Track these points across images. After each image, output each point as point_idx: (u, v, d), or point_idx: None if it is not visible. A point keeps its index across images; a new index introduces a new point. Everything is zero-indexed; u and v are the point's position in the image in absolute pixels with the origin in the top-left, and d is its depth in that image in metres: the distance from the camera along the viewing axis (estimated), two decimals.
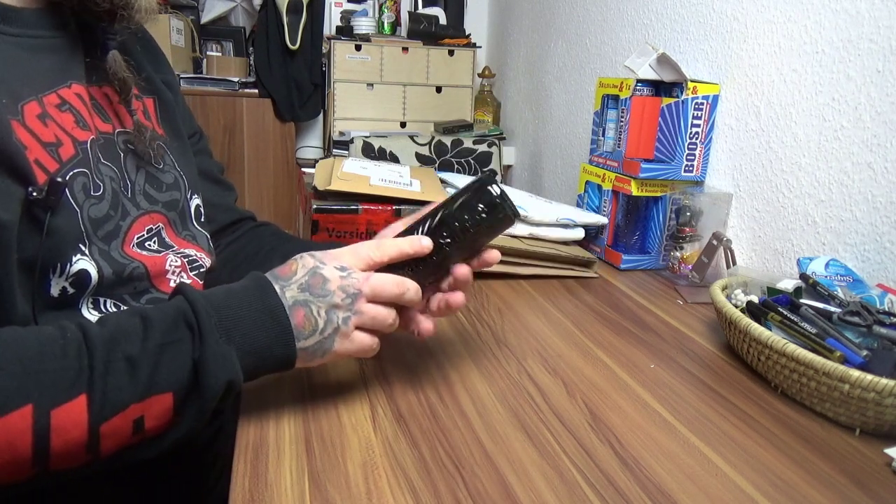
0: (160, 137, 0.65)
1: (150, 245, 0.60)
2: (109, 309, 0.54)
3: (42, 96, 0.52)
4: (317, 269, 0.51)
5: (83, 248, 0.52)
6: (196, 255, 0.65)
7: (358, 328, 0.53)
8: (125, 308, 0.56)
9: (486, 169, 1.76)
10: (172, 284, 0.61)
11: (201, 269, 0.65)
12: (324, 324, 0.51)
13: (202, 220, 0.69)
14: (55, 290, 0.50)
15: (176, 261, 0.62)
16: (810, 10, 0.90)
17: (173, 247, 0.63)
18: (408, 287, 0.54)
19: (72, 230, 0.51)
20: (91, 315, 0.53)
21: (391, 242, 0.55)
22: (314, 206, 0.93)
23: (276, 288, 0.50)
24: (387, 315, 0.54)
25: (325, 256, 0.53)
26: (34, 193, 0.47)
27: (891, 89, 0.78)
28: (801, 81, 0.92)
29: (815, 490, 0.50)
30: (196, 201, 0.69)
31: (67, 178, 0.50)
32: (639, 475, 0.51)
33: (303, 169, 1.94)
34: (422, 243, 0.54)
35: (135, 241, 0.58)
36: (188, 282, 0.62)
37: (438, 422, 0.57)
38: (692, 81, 1.05)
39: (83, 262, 0.51)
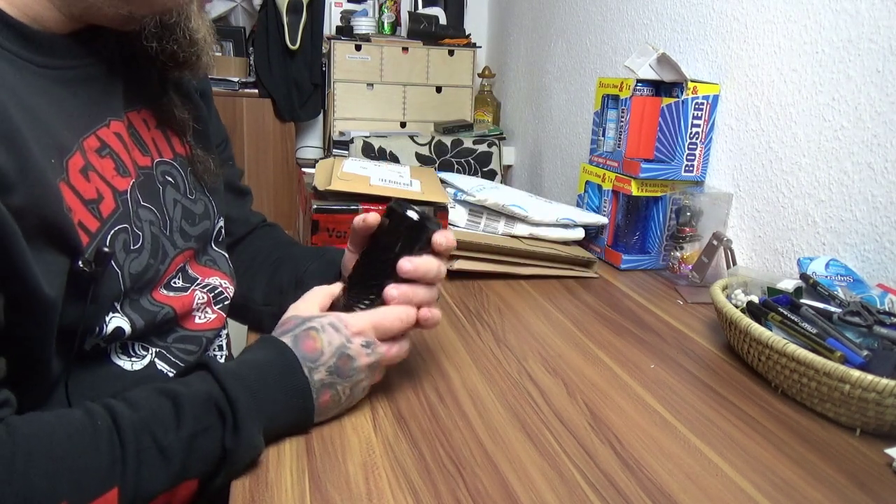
0: (204, 160, 0.64)
1: (175, 283, 0.59)
2: (138, 351, 0.54)
3: (83, 140, 0.49)
4: (344, 351, 0.52)
5: (117, 305, 0.51)
6: (219, 283, 0.65)
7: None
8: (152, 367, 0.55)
9: (485, 168, 1.77)
10: (199, 321, 0.60)
11: (225, 302, 0.65)
12: (346, 399, 0.54)
13: (220, 240, 0.69)
14: (88, 346, 0.50)
15: (202, 297, 0.61)
16: (810, 10, 0.90)
17: (197, 279, 0.62)
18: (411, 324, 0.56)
19: (113, 293, 0.50)
20: (120, 360, 0.53)
21: (413, 313, 0.56)
22: (314, 206, 0.93)
23: (304, 370, 0.51)
24: (397, 354, 0.57)
25: (349, 327, 0.53)
26: (82, 266, 0.46)
27: (891, 89, 0.78)
28: (801, 81, 0.92)
29: (816, 490, 0.50)
30: (220, 223, 0.68)
31: (108, 241, 0.49)
32: (639, 475, 0.51)
33: (303, 169, 1.94)
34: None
35: (165, 282, 0.57)
36: (213, 317, 0.62)
37: (438, 422, 0.57)
38: (692, 81, 1.05)
39: (116, 320, 0.51)
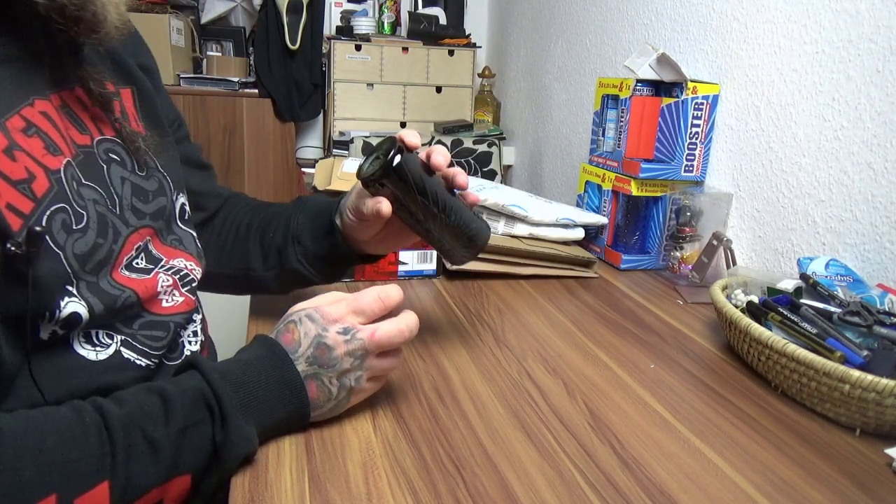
0: (142, 136, 0.61)
1: (137, 264, 0.57)
2: (102, 339, 0.52)
3: (5, 121, 0.47)
4: (320, 340, 0.52)
5: (70, 289, 0.49)
6: (185, 265, 0.63)
7: (369, 379, 0.55)
8: (123, 338, 0.54)
9: (485, 168, 1.76)
10: (165, 305, 0.59)
11: (193, 284, 0.63)
12: (336, 390, 0.53)
13: (186, 218, 0.66)
14: (45, 335, 0.48)
15: (167, 280, 0.59)
16: (810, 10, 0.90)
17: (161, 260, 0.60)
18: (411, 328, 0.55)
19: (57, 275, 0.47)
20: (84, 350, 0.51)
21: (394, 291, 0.56)
22: None
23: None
24: (394, 363, 0.57)
25: (325, 316, 0.54)
26: (12, 248, 0.43)
27: (891, 89, 0.78)
28: (801, 81, 0.92)
29: (816, 490, 0.50)
30: (181, 200, 0.66)
31: (44, 222, 0.46)
32: (639, 475, 0.51)
33: (303, 169, 1.94)
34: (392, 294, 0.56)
35: (124, 262, 0.55)
36: (181, 300, 0.60)
37: (438, 422, 0.57)
38: (692, 81, 1.05)
39: (72, 305, 0.48)
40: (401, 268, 0.95)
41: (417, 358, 0.69)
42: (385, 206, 0.60)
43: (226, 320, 1.11)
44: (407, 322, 0.55)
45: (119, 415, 0.44)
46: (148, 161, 0.61)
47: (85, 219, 0.51)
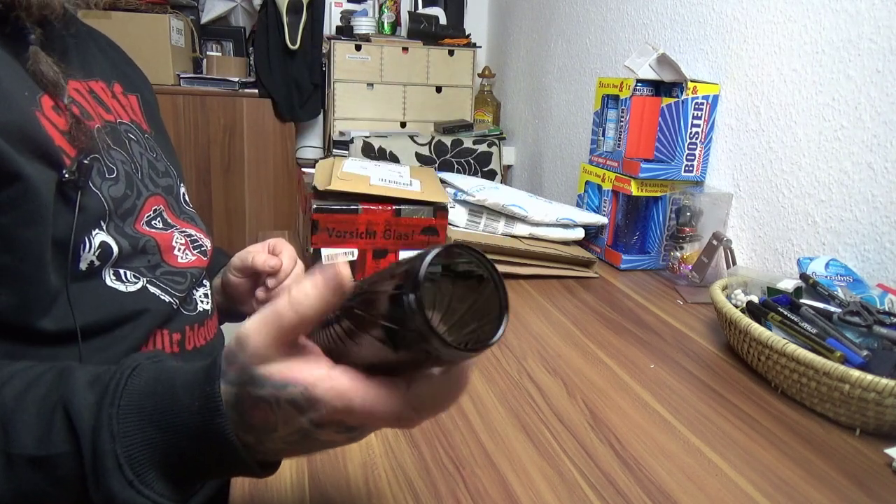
0: (146, 133, 0.68)
1: (155, 224, 0.63)
2: (130, 278, 0.57)
3: (44, 94, 0.54)
4: (307, 435, 0.34)
5: (103, 224, 0.55)
6: (196, 234, 0.68)
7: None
8: (139, 280, 0.58)
9: (485, 168, 1.77)
10: (181, 260, 0.63)
11: (203, 248, 0.68)
12: (288, 432, 0.35)
13: (189, 205, 0.73)
14: (83, 265, 0.52)
15: (181, 238, 0.65)
16: (810, 10, 0.90)
17: (175, 226, 0.65)
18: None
19: (97, 207, 0.54)
20: (115, 284, 0.56)
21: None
22: (314, 206, 0.93)
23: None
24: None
25: (317, 406, 0.32)
26: (66, 175, 0.50)
27: (891, 89, 0.78)
28: (801, 81, 0.92)
29: (815, 490, 0.50)
30: (183, 189, 0.72)
31: (86, 161, 0.53)
32: (639, 475, 0.51)
33: (303, 169, 1.93)
34: None
35: (144, 219, 0.61)
36: (193, 258, 0.65)
37: (438, 422, 0.57)
38: (692, 81, 1.05)
39: (101, 236, 0.54)
40: None
41: None
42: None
43: None
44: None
45: (3, 410, 0.37)
46: (157, 150, 0.68)
47: (115, 172, 0.58)
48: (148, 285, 0.58)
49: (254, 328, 0.33)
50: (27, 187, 0.47)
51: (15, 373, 0.39)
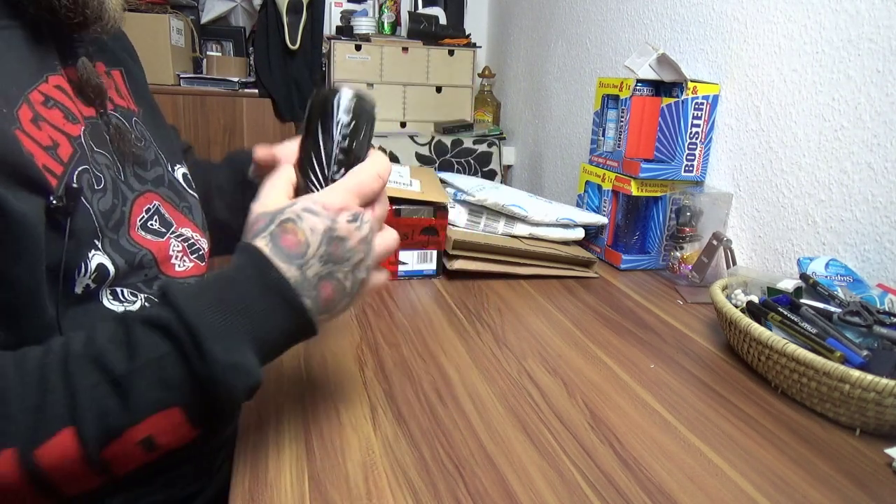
0: (134, 114, 0.65)
1: (152, 225, 0.61)
2: (127, 297, 0.55)
3: (28, 94, 0.51)
4: (332, 234, 0.47)
5: (97, 243, 0.53)
6: (192, 235, 0.66)
7: (374, 268, 0.52)
8: (132, 301, 0.57)
9: (485, 168, 1.77)
10: (178, 269, 0.61)
11: (201, 252, 0.66)
12: (350, 284, 0.49)
13: (193, 187, 0.70)
14: (79, 289, 0.51)
15: (178, 246, 0.63)
16: (810, 10, 0.90)
17: (172, 225, 0.63)
18: (387, 170, 0.51)
19: (88, 229, 0.51)
20: (112, 304, 0.54)
21: (386, 162, 0.52)
22: None
23: (286, 267, 0.45)
24: (393, 243, 0.52)
25: (328, 206, 0.47)
26: (54, 201, 0.48)
27: (891, 89, 0.78)
28: (801, 81, 0.92)
29: (815, 490, 0.50)
30: (181, 170, 0.69)
31: (75, 181, 0.51)
32: (639, 475, 0.51)
33: None
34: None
35: (138, 224, 0.59)
36: (191, 265, 0.63)
37: (438, 422, 0.57)
38: (692, 81, 1.05)
39: (98, 257, 0.52)
40: (401, 268, 0.95)
41: (417, 358, 0.69)
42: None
43: None
44: (377, 165, 0.50)
45: (82, 353, 0.42)
46: (144, 134, 0.65)
47: (103, 181, 0.55)
48: (146, 304, 0.57)
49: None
50: (11, 222, 0.44)
51: (68, 336, 0.44)
